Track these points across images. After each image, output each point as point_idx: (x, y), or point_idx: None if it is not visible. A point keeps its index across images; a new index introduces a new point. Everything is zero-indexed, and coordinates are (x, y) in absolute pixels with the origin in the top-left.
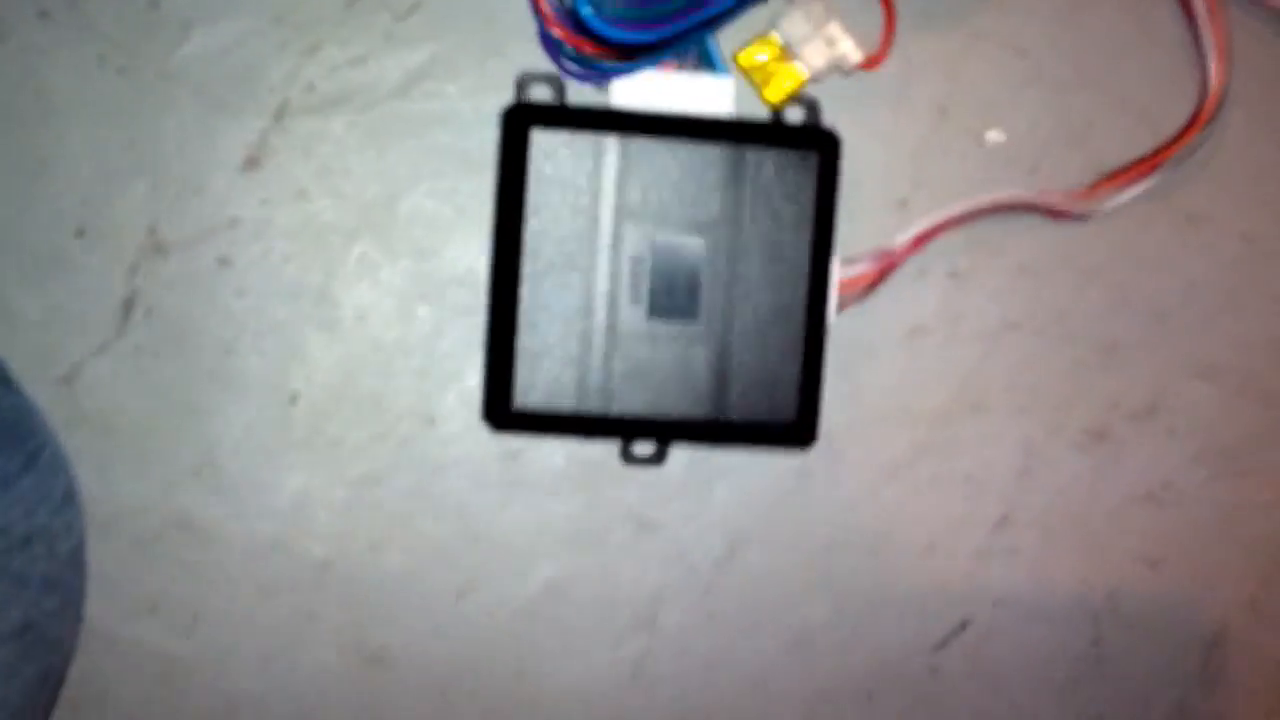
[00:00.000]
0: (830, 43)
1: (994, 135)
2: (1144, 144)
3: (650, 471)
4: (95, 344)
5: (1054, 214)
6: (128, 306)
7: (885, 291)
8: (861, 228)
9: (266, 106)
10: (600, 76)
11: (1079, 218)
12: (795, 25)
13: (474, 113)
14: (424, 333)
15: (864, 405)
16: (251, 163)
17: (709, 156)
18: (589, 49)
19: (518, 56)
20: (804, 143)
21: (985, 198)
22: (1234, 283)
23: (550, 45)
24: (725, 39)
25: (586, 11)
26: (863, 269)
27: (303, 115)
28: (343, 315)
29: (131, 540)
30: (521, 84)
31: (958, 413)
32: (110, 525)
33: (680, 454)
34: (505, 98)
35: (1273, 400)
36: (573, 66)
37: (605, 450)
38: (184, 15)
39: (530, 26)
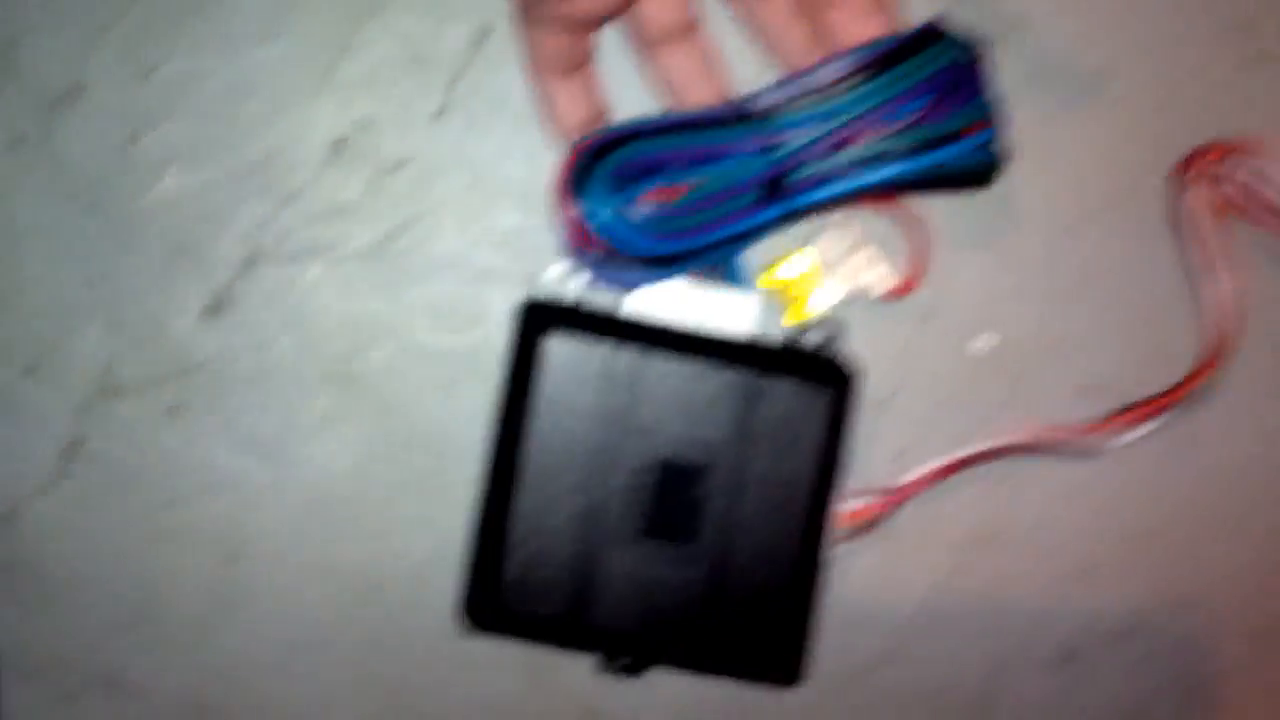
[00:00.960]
0: (861, 269)
1: (980, 343)
2: (1129, 363)
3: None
4: (36, 485)
5: (1067, 451)
6: (73, 449)
7: None
8: None
9: (236, 252)
10: (623, 284)
11: (1090, 456)
12: (829, 247)
13: (452, 272)
14: (380, 496)
15: (831, 610)
16: (214, 309)
17: (724, 381)
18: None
19: (499, 218)
20: (821, 376)
21: (1006, 439)
22: (1221, 510)
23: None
24: (756, 252)
25: (600, 222)
26: (869, 504)
27: (273, 263)
28: (296, 472)
29: (54, 693)
30: (541, 274)
31: (927, 622)
32: (33, 675)
33: None
34: (485, 260)
35: (1256, 636)
36: (595, 270)
37: None
38: (162, 154)
39: (515, 188)
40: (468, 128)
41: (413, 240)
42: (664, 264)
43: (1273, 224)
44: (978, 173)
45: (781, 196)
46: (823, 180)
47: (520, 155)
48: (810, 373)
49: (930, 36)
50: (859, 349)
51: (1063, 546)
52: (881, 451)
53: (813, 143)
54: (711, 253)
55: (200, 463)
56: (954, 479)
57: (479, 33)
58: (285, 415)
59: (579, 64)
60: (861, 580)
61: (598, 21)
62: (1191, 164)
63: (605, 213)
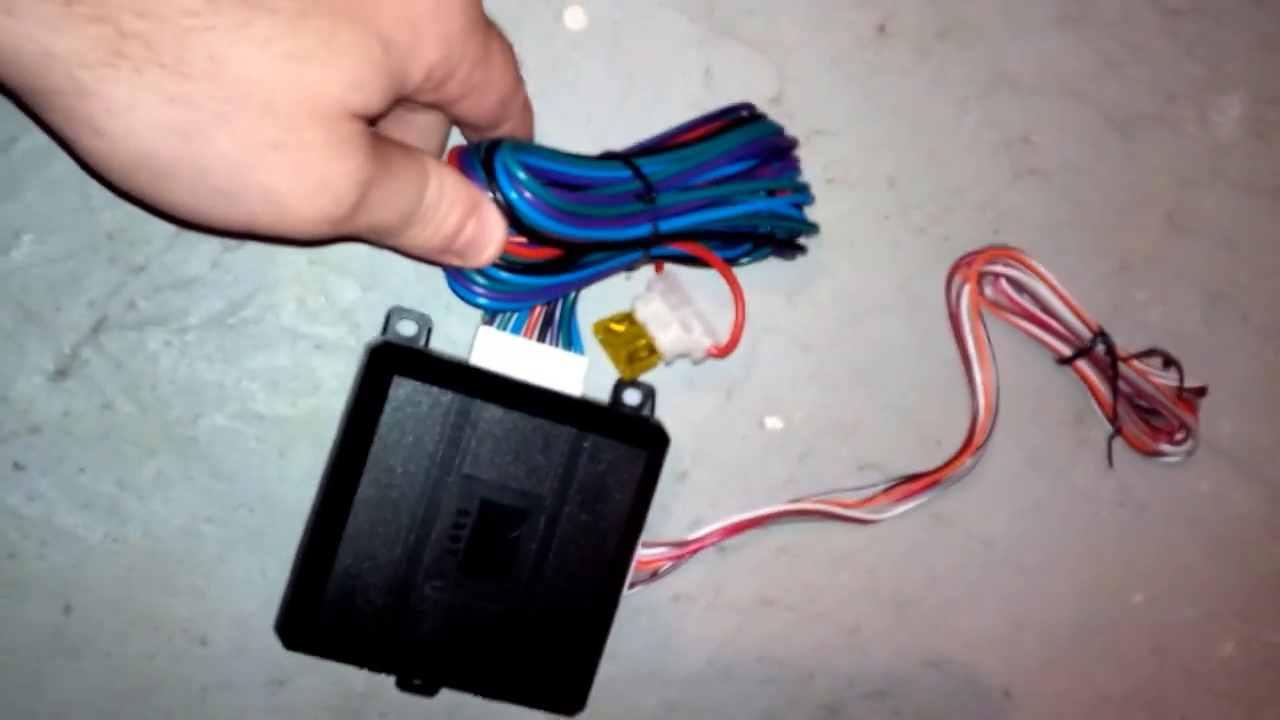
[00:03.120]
0: (686, 329)
1: (772, 421)
2: (906, 444)
3: (417, 703)
4: None
5: (842, 520)
6: None
7: None
8: None
9: (84, 319)
10: (509, 297)
11: (864, 523)
12: (653, 306)
13: (289, 344)
14: (209, 553)
15: (621, 662)
16: (60, 373)
17: (551, 435)
18: (511, 251)
19: (338, 293)
20: (638, 438)
21: (784, 505)
22: (969, 581)
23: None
24: (586, 311)
25: (512, 197)
26: (660, 554)
27: (119, 331)
28: (130, 530)
29: None
30: (390, 316)
31: (711, 676)
32: None
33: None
34: (322, 332)
35: (988, 695)
36: (480, 284)
37: (372, 683)
38: (16, 223)
39: (355, 264)
40: None
41: (253, 312)
42: (553, 268)
43: (1024, 326)
44: (794, 232)
45: (653, 214)
46: (683, 208)
47: None
48: (629, 434)
49: (751, 115)
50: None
51: (831, 610)
52: (677, 517)
53: (670, 175)
54: (592, 261)
55: (40, 518)
56: (742, 545)
57: None
58: (123, 475)
59: None
60: (655, 636)
61: None
62: (961, 266)
63: (515, 190)
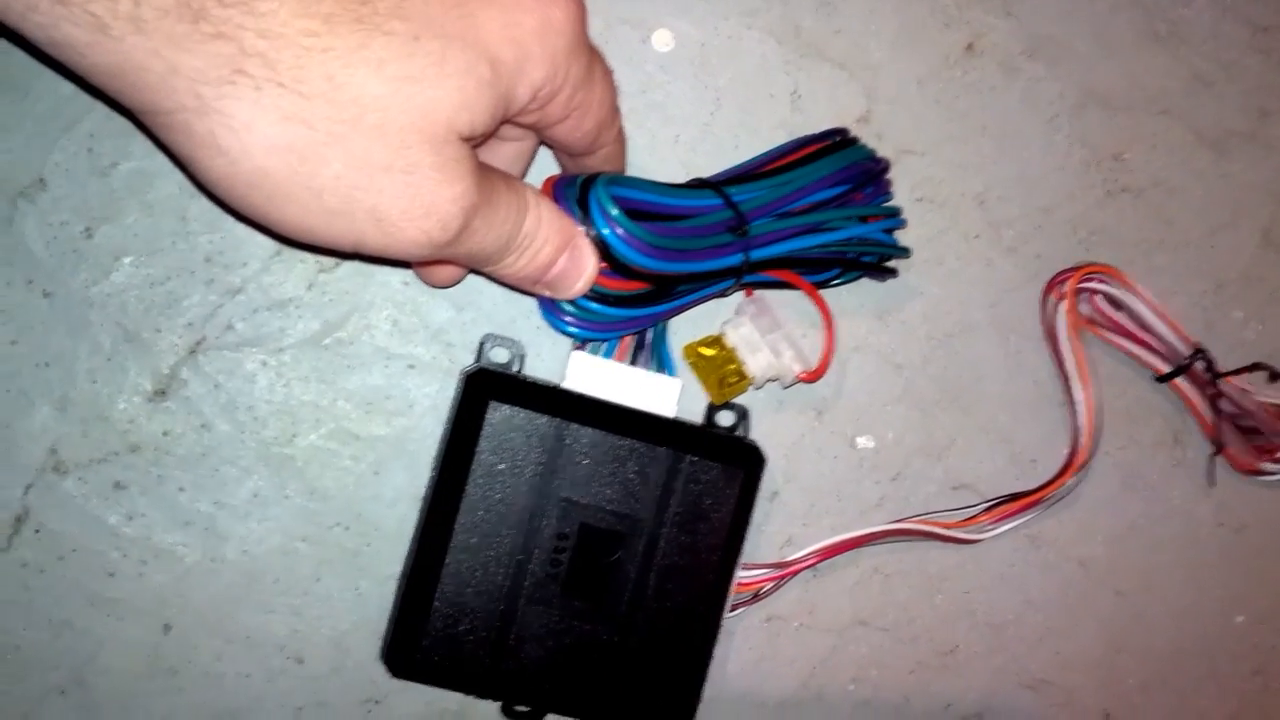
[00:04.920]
0: (776, 353)
1: (864, 441)
2: (999, 464)
3: None
4: None
5: (942, 540)
6: (18, 522)
7: None
8: None
9: (183, 340)
10: (599, 327)
11: (965, 543)
12: (743, 330)
13: (383, 363)
14: (304, 572)
15: (714, 684)
16: (160, 393)
17: (648, 457)
18: (603, 283)
19: (431, 314)
20: (734, 457)
21: (885, 525)
22: (1066, 603)
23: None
24: (680, 325)
25: (605, 233)
26: (761, 575)
27: (217, 352)
28: (227, 549)
29: None
30: (483, 344)
31: (806, 699)
32: None
33: None
34: (416, 352)
35: (1087, 716)
36: (571, 314)
37: (466, 701)
38: (117, 246)
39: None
40: None
41: (348, 333)
42: (644, 300)
43: (1120, 344)
44: (885, 256)
45: (744, 244)
46: (776, 237)
47: None
48: (726, 454)
49: (845, 140)
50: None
51: (926, 632)
52: (770, 538)
53: (763, 204)
54: (683, 290)
55: (139, 537)
56: (834, 566)
57: None
58: (220, 494)
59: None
60: (749, 658)
61: None
62: (1056, 284)
63: (609, 227)
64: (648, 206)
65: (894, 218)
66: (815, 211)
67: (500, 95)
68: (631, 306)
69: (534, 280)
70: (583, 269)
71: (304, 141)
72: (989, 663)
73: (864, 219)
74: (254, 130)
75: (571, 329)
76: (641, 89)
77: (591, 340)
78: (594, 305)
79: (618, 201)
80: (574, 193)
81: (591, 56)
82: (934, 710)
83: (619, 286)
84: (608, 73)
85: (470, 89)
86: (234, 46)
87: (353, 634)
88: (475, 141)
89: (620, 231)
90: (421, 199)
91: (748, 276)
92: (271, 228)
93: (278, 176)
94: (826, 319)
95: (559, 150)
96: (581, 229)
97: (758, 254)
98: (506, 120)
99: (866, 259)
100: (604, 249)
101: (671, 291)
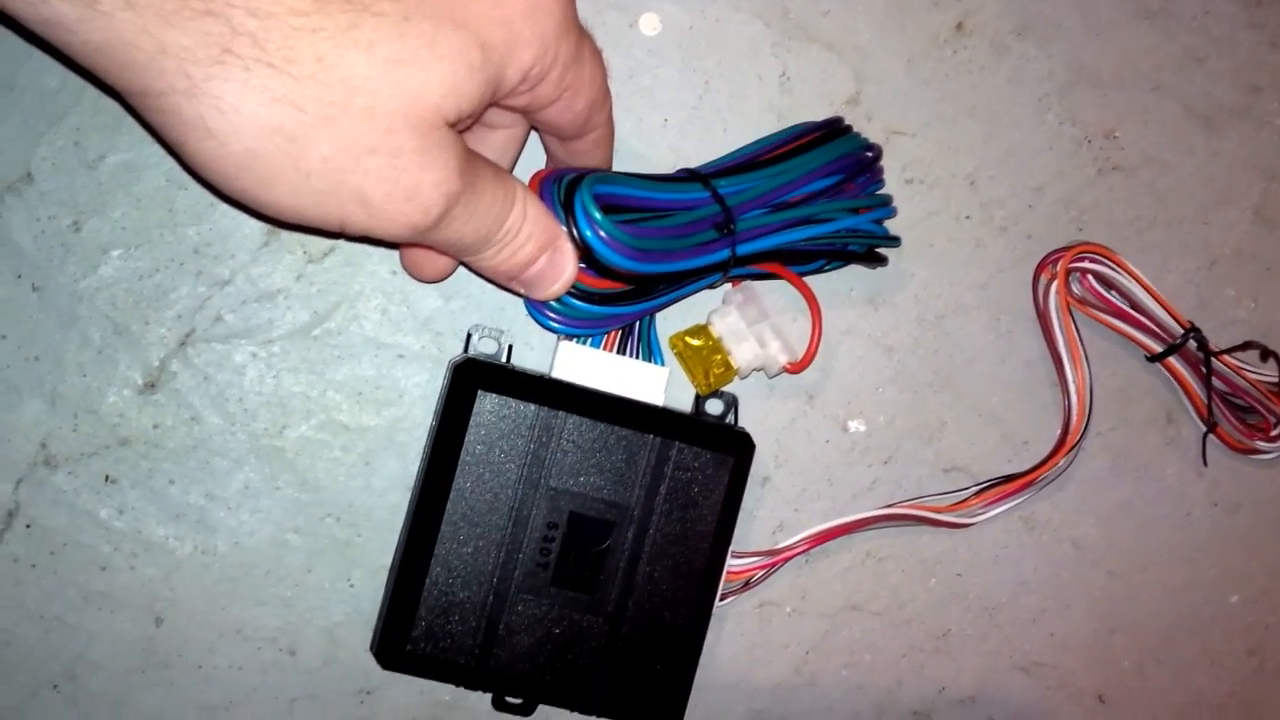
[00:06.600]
0: (761, 344)
1: (855, 424)
2: (991, 445)
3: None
4: None
5: (934, 525)
6: (9, 517)
7: None
8: None
9: (172, 333)
10: (584, 324)
11: (958, 527)
12: (728, 320)
13: (372, 353)
14: (296, 564)
15: (706, 670)
16: (149, 386)
17: (636, 445)
18: (586, 281)
19: (419, 303)
20: (724, 444)
21: (877, 510)
22: (1059, 584)
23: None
24: (665, 324)
25: (587, 236)
26: (752, 564)
27: (206, 344)
28: (218, 541)
29: None
30: (470, 335)
31: (799, 684)
32: None
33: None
34: (405, 342)
35: (1081, 700)
36: (555, 312)
37: (458, 692)
38: (104, 239)
39: None
40: None
41: (337, 324)
42: (628, 298)
43: (1112, 323)
44: (876, 245)
45: (733, 238)
46: (765, 231)
47: None
48: (714, 441)
49: (838, 129)
50: (746, 425)
51: (919, 616)
52: (762, 523)
53: (753, 197)
54: (668, 287)
55: (130, 530)
56: (826, 551)
57: None
58: (211, 487)
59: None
60: (741, 644)
61: None
62: (1048, 264)
63: (591, 230)
64: (634, 202)
65: (884, 207)
66: (807, 204)
67: (489, 78)
68: (616, 304)
69: (511, 277)
70: (561, 272)
71: (293, 123)
72: (982, 645)
73: (855, 210)
74: (243, 112)
75: (555, 325)
76: (629, 73)
77: (576, 336)
78: (578, 303)
79: (603, 199)
80: (559, 194)
81: (581, 36)
82: (927, 694)
83: (603, 285)
84: (597, 52)
85: (461, 73)
86: (224, 25)
87: (345, 625)
88: (463, 125)
89: (603, 235)
90: (405, 183)
91: (734, 270)
92: (259, 209)
93: (267, 159)
94: (814, 310)
95: (550, 135)
96: (565, 231)
97: (745, 249)
98: (496, 104)
99: (854, 248)
100: (586, 250)
101: (656, 290)
